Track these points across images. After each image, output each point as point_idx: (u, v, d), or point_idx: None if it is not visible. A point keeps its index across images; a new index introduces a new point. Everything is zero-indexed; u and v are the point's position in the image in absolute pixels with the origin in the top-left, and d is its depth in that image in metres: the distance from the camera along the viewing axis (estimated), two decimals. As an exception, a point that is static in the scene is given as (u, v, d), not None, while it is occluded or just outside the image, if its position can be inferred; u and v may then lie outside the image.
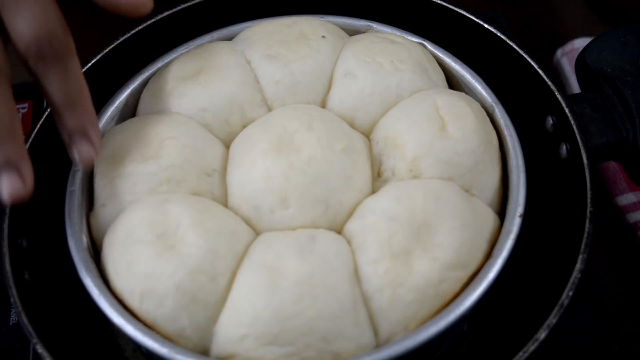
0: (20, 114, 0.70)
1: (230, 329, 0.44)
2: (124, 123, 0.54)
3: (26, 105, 0.71)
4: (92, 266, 0.47)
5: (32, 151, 0.54)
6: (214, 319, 0.45)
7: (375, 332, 0.44)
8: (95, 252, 0.50)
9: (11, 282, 0.48)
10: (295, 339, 0.43)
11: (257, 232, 0.48)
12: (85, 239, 0.49)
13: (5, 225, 0.50)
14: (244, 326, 0.43)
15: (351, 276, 0.44)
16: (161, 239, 0.45)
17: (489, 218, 0.48)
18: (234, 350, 0.44)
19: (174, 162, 0.49)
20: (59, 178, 0.53)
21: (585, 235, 0.48)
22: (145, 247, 0.45)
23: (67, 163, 0.52)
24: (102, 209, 0.49)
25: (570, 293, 0.46)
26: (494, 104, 0.53)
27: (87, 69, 0.58)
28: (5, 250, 0.50)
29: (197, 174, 0.49)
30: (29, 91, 0.71)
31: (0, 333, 0.58)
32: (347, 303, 0.43)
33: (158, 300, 0.44)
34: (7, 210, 0.51)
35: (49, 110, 0.56)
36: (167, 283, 0.44)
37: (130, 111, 0.57)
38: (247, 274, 0.45)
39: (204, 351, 0.45)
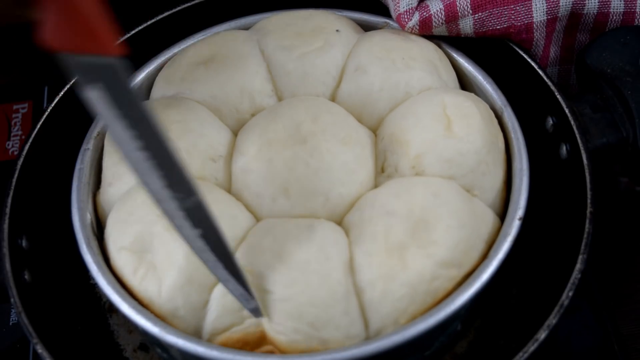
0: (20, 114, 0.70)
1: (227, 303, 0.44)
2: None
3: (26, 105, 0.71)
4: (94, 243, 0.48)
5: (32, 151, 0.55)
6: (207, 300, 0.45)
7: (366, 323, 0.44)
8: (100, 231, 0.50)
9: (11, 282, 0.49)
10: (283, 322, 0.43)
11: (258, 219, 0.48)
12: (89, 217, 0.50)
13: (6, 225, 0.51)
14: None
15: (346, 266, 0.44)
16: (162, 219, 0.45)
17: (488, 219, 0.48)
18: (229, 324, 0.44)
19: (180, 145, 0.49)
20: (60, 178, 0.53)
21: (585, 235, 0.48)
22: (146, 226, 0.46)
23: (68, 163, 0.52)
24: (109, 188, 0.50)
25: (570, 293, 0.46)
26: (503, 107, 0.53)
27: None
28: (5, 250, 0.50)
29: (202, 158, 0.50)
30: (29, 91, 0.71)
31: (0, 333, 0.58)
32: (339, 292, 0.43)
33: (157, 279, 0.45)
34: (7, 210, 0.51)
35: (49, 110, 0.56)
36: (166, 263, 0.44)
37: (144, 94, 0.57)
38: (243, 256, 0.45)
39: (197, 330, 0.45)
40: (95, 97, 0.37)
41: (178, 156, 0.40)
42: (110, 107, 0.37)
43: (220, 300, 0.44)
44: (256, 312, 0.44)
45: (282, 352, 0.44)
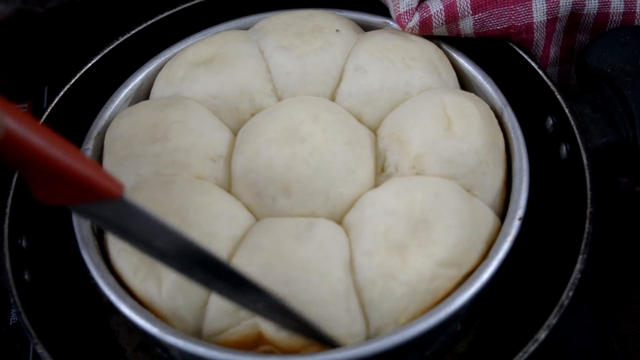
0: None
1: (222, 304, 0.44)
2: (135, 105, 0.54)
3: (26, 105, 0.71)
4: (93, 244, 0.48)
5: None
6: (207, 300, 0.45)
7: (366, 321, 0.44)
8: (100, 231, 0.50)
9: (11, 282, 0.49)
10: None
11: (258, 219, 0.48)
12: None
13: (6, 225, 0.51)
14: None
15: (346, 265, 0.44)
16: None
17: (489, 219, 0.48)
18: (225, 326, 0.44)
19: (180, 145, 0.50)
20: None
21: (585, 235, 0.48)
22: None
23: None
24: None
25: (570, 293, 0.46)
26: (503, 107, 0.53)
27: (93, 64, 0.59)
28: (6, 250, 0.50)
29: (202, 158, 0.50)
30: (29, 91, 0.71)
31: (0, 333, 0.58)
32: (339, 290, 0.44)
33: (157, 280, 0.45)
34: (7, 210, 0.51)
35: (49, 110, 0.56)
36: None
37: (144, 94, 0.58)
38: (243, 255, 0.45)
39: (197, 330, 0.45)
40: (103, 227, 0.38)
41: (204, 247, 0.41)
42: (119, 234, 0.39)
43: (217, 302, 0.44)
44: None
45: (282, 351, 0.44)
